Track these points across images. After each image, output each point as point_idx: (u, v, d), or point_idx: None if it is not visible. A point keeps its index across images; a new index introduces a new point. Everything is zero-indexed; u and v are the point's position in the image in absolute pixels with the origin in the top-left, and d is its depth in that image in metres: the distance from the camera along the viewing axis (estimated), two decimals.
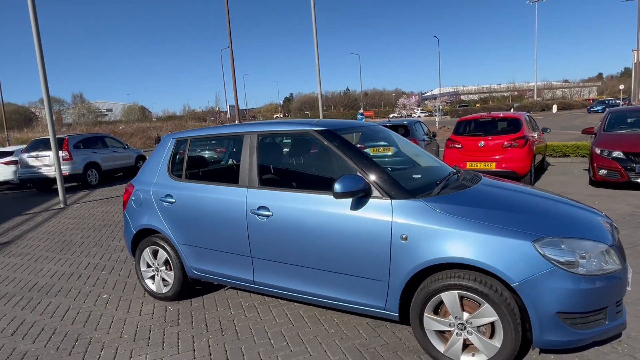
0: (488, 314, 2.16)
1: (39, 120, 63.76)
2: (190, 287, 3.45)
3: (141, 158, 14.15)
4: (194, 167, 3.46)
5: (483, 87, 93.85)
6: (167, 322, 3.12)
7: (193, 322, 3.09)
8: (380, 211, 2.40)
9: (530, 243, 2.08)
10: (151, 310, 3.35)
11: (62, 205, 8.76)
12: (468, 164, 7.96)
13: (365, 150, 9.08)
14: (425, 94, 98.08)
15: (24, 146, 12.24)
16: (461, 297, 2.23)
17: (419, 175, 2.95)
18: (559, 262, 2.06)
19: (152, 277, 3.56)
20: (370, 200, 2.46)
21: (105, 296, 3.71)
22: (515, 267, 2.07)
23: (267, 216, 2.77)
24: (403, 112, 75.27)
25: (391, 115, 72.59)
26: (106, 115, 79.97)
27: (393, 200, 2.40)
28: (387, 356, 2.50)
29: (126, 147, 13.78)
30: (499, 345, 2.16)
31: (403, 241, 2.32)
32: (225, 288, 3.69)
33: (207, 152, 5.41)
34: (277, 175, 3.09)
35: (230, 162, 3.92)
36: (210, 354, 2.65)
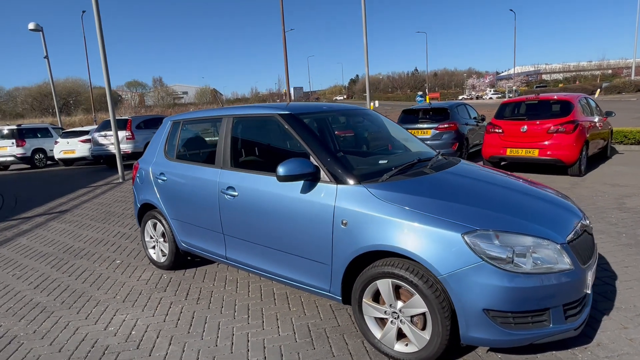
0: (418, 305, 2.11)
1: (124, 102, 70.20)
2: (182, 258, 3.74)
3: None
4: (184, 148, 3.70)
5: (569, 65, 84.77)
6: (156, 289, 3.45)
7: (177, 291, 3.38)
8: (326, 195, 2.42)
9: (460, 235, 1.98)
10: (148, 277, 3.71)
11: (120, 180, 9.76)
12: (508, 150, 7.43)
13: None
14: (501, 74, 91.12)
15: (96, 126, 13.71)
16: (397, 286, 2.20)
17: (386, 161, 2.88)
18: (488, 256, 1.94)
19: (153, 247, 3.92)
20: (319, 184, 2.48)
21: (118, 262, 4.17)
22: (444, 259, 1.99)
23: (234, 196, 2.91)
24: (473, 93, 70.71)
25: (460, 97, 68.58)
26: (182, 97, 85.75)
27: (338, 185, 2.40)
28: (332, 337, 2.55)
29: None
30: (428, 338, 2.11)
31: (343, 226, 2.32)
32: (218, 262, 3.95)
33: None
34: (246, 157, 3.20)
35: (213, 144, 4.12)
36: (179, 319, 2.90)
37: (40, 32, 18.47)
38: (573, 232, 2.16)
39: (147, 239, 3.96)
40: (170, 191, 3.49)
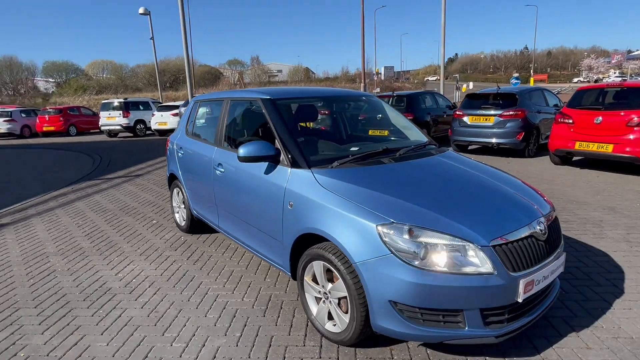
0: (341, 289, 2.20)
1: (224, 79, 75.64)
2: (197, 224, 4.21)
3: None
4: (197, 126, 4.10)
5: None
6: (170, 248, 3.97)
7: (184, 252, 3.86)
8: (281, 178, 2.58)
9: (374, 225, 2.01)
10: (169, 238, 4.26)
11: None
12: (577, 143, 6.62)
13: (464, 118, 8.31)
14: (634, 53, 77.79)
15: (184, 101, 15.30)
16: (328, 269, 2.31)
17: (357, 149, 2.90)
18: (397, 249, 1.94)
19: (177, 212, 4.47)
20: (278, 166, 2.65)
21: (154, 222, 4.83)
22: (359, 247, 2.05)
23: (222, 172, 3.21)
24: (590, 75, 61.56)
25: (575, 80, 60.38)
26: (276, 75, 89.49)
27: (292, 169, 2.54)
28: (285, 310, 2.75)
29: None
30: (347, 321, 2.20)
31: (290, 207, 2.48)
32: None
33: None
34: (233, 136, 3.45)
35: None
36: (172, 275, 3.35)
37: (148, 16, 20.81)
38: (507, 236, 2.02)
39: (174, 204, 4.52)
40: (186, 164, 3.94)
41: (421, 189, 2.32)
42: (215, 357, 2.27)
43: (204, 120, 4.11)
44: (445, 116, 10.73)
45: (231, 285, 3.13)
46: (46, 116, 18.29)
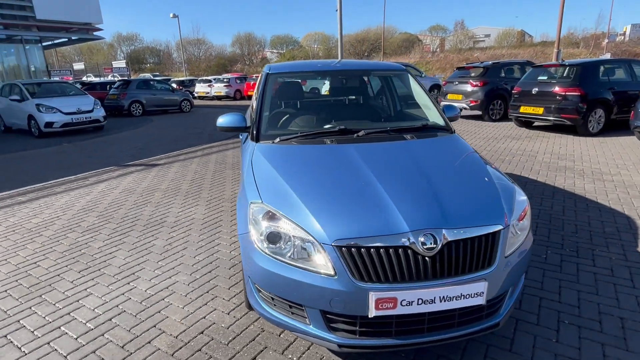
0: None
1: (424, 46, 73.36)
2: None
3: (436, 87, 15.05)
4: None
5: None
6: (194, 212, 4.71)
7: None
8: (250, 148, 2.78)
9: (249, 202, 2.08)
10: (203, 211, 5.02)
11: None
12: None
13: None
14: None
15: None
16: None
17: (331, 125, 2.83)
18: (255, 230, 1.98)
19: None
20: (248, 137, 2.90)
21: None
22: (241, 221, 2.17)
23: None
24: None
25: None
26: (483, 40, 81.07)
27: (251, 141, 2.77)
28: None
29: (422, 75, 15.02)
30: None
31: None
32: None
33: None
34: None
35: None
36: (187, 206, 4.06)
37: None
38: (360, 240, 1.75)
39: None
40: None
41: (327, 174, 2.21)
42: None
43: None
44: None
45: (211, 241, 3.61)
46: (251, 82, 22.34)
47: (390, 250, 1.75)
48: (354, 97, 3.59)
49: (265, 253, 1.92)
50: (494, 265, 1.84)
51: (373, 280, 1.74)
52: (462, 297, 1.78)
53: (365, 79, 3.63)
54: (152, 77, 23.24)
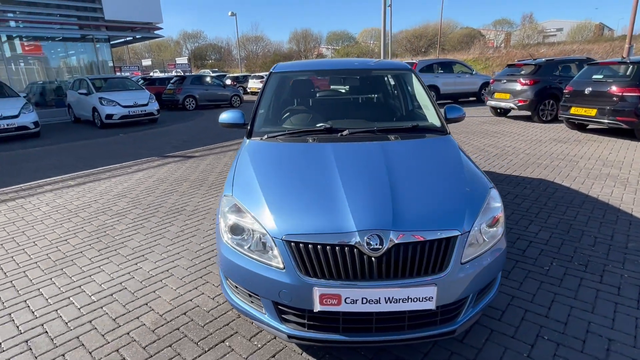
0: None
1: (488, 41, 69.76)
2: None
3: (486, 85, 14.35)
4: None
5: None
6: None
7: None
8: (243, 143, 2.96)
9: (224, 195, 2.23)
10: None
11: None
12: None
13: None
14: None
15: None
16: None
17: (323, 124, 2.88)
18: (223, 222, 2.11)
19: None
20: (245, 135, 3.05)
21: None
22: (218, 211, 2.32)
23: None
24: None
25: None
26: (554, 35, 75.34)
27: (246, 137, 2.92)
28: None
29: (473, 72, 14.38)
30: None
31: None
32: None
33: None
34: None
35: None
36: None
37: None
38: (305, 237, 1.81)
39: None
40: None
41: (297, 171, 2.30)
42: None
43: None
44: None
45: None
46: None
47: (337, 248, 1.80)
48: (350, 96, 3.60)
49: (229, 244, 2.05)
50: (446, 270, 1.81)
51: (318, 276, 1.80)
52: (410, 300, 1.78)
53: (366, 78, 3.63)
54: (204, 74, 24.30)
